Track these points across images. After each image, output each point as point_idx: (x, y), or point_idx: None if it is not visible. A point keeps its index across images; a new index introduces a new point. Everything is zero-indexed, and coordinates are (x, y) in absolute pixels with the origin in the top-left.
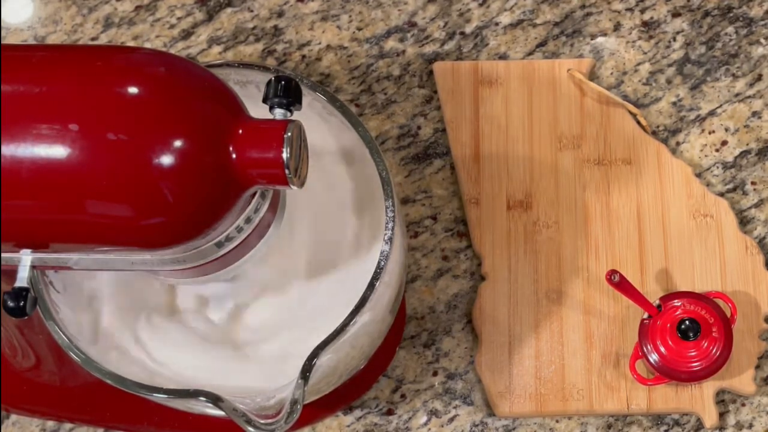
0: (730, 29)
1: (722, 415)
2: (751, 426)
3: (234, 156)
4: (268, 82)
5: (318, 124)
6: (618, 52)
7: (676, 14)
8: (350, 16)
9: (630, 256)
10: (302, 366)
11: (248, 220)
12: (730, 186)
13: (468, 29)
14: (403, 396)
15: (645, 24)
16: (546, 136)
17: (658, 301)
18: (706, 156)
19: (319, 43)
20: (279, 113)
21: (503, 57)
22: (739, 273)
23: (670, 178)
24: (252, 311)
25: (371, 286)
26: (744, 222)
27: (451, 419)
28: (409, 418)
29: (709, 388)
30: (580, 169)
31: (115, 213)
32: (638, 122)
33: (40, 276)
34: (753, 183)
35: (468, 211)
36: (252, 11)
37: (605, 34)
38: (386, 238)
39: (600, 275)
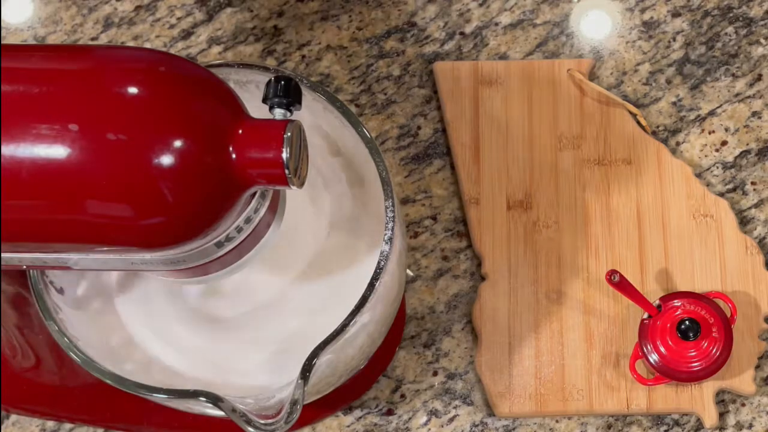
0: (730, 29)
1: (722, 415)
2: (751, 426)
3: (234, 156)
4: (268, 82)
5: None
6: (618, 52)
7: (676, 14)
8: (350, 16)
9: (630, 256)
10: (302, 366)
11: (248, 220)
12: (730, 186)
13: (468, 29)
14: (403, 396)
15: (645, 24)
16: (546, 136)
17: (658, 301)
18: (706, 156)
19: (319, 43)
20: (279, 113)
21: (503, 57)
22: (739, 273)
23: (670, 178)
24: (250, 310)
25: (371, 286)
26: (744, 222)
27: (451, 419)
28: (409, 418)
29: (709, 388)
30: (580, 169)
31: (115, 213)
32: (638, 122)
33: (39, 276)
34: (753, 183)
35: (468, 211)
36: (252, 11)
37: (605, 34)
38: (386, 238)
39: (600, 275)
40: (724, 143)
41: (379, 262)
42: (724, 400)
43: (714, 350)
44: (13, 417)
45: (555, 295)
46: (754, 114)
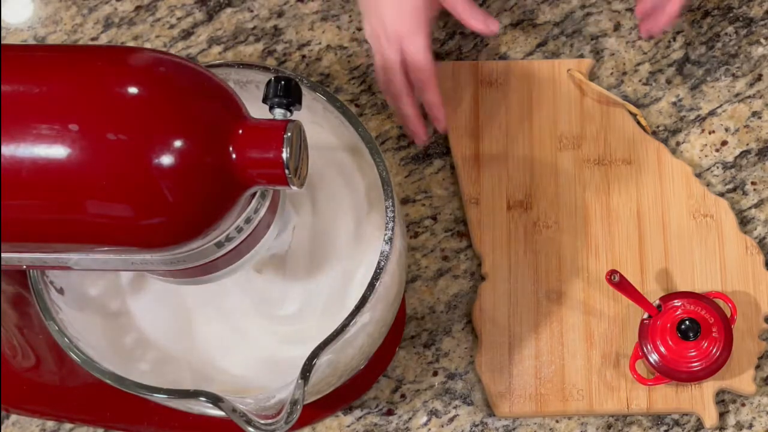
0: (730, 29)
1: (722, 415)
2: (751, 426)
3: (234, 156)
4: (268, 82)
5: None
6: (618, 52)
7: None
8: (350, 16)
9: (630, 256)
10: (302, 366)
11: (248, 221)
12: (730, 186)
13: (468, 29)
14: (403, 396)
15: None
16: (546, 136)
17: (658, 301)
18: (706, 156)
19: (319, 43)
20: (279, 113)
21: (503, 57)
22: (739, 273)
23: (670, 178)
24: (251, 311)
25: (371, 286)
26: (744, 222)
27: (451, 419)
28: (409, 418)
29: (709, 388)
30: (580, 169)
31: (115, 213)
32: (638, 122)
33: (39, 276)
34: (753, 183)
35: (468, 211)
36: (252, 11)
37: (605, 34)
38: (386, 238)
39: (600, 275)
40: (724, 143)
41: (379, 262)
42: (724, 400)
43: (714, 350)
44: (13, 417)
45: (555, 295)
46: (754, 114)
